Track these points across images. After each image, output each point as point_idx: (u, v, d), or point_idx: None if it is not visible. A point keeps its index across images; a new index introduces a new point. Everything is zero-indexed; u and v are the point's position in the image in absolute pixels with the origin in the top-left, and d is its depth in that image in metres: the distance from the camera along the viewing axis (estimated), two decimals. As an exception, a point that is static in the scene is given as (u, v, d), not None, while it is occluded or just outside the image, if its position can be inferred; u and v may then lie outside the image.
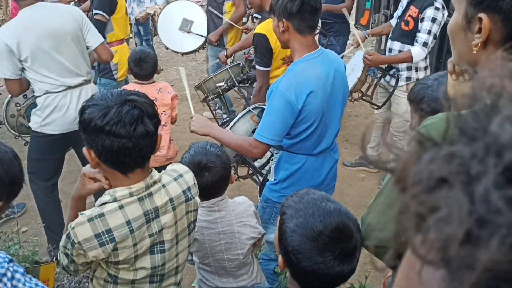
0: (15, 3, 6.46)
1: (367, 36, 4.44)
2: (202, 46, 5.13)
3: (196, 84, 4.15)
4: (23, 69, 2.94)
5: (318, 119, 2.27)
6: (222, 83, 3.91)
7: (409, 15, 3.73)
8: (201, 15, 5.01)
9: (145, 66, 3.48)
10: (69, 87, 3.08)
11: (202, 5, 5.28)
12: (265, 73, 3.31)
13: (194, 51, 5.15)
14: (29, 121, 3.24)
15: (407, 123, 4.13)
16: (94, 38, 3.17)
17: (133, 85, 3.59)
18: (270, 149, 2.50)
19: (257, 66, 3.32)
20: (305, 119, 2.25)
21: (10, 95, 3.31)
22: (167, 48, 5.31)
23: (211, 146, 2.05)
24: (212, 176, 1.97)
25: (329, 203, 1.29)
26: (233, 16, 4.80)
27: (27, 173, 3.15)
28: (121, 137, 1.37)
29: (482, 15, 1.04)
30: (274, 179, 2.50)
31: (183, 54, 5.27)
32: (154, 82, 3.59)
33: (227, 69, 3.98)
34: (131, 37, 7.27)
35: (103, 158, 1.43)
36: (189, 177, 1.68)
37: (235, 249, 2.08)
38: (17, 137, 3.54)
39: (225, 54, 4.47)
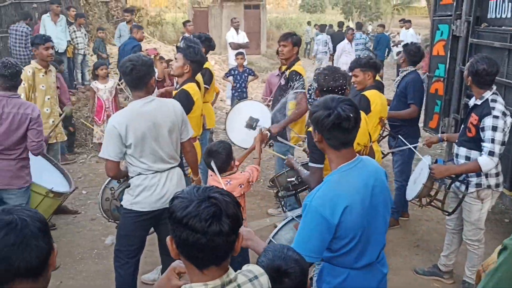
0: (100, 102, 7.04)
1: (441, 140, 4.48)
2: (267, 143, 5.24)
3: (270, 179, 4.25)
4: (124, 154, 3.30)
5: (358, 233, 2.19)
6: (293, 179, 3.99)
7: (471, 122, 3.68)
8: (267, 115, 5.17)
9: (216, 156, 3.46)
10: (158, 171, 3.41)
11: (268, 105, 5.45)
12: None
13: None
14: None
15: (480, 231, 3.87)
16: (186, 132, 3.58)
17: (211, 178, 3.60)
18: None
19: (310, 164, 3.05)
20: (343, 234, 2.17)
21: (106, 181, 3.72)
22: (234, 144, 5.48)
23: (288, 250, 2.02)
24: (292, 282, 1.93)
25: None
26: (294, 112, 4.89)
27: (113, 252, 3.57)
28: (196, 232, 1.42)
29: None
30: None
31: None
32: (230, 174, 3.55)
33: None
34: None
35: (180, 249, 1.49)
36: (264, 280, 1.67)
37: None
38: (110, 221, 3.83)
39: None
